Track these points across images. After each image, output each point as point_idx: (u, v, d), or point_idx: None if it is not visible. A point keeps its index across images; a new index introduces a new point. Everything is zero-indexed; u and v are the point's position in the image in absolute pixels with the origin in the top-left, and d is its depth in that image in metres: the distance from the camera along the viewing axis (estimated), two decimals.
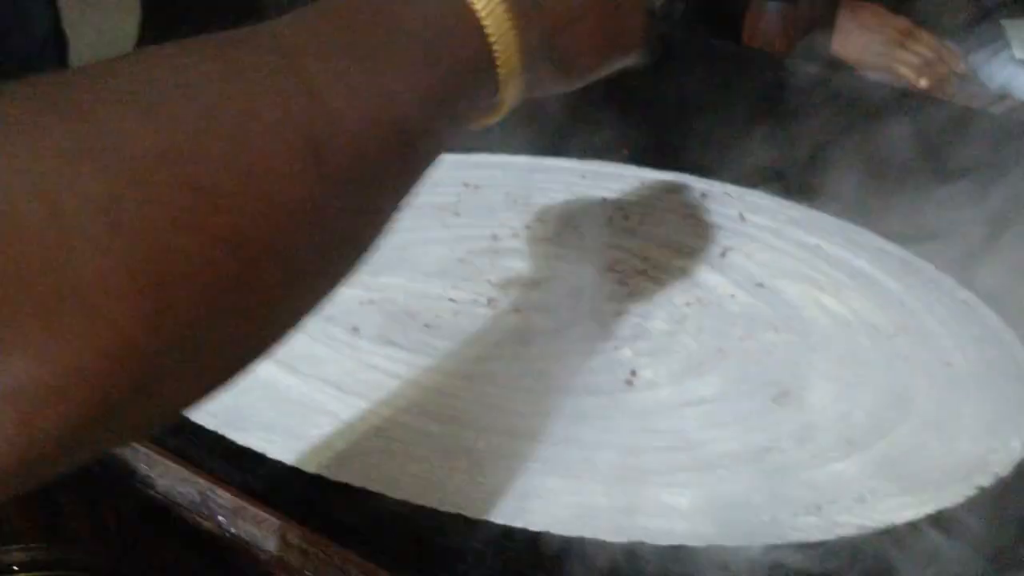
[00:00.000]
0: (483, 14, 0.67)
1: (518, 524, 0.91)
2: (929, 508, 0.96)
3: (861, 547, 0.92)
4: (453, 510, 0.92)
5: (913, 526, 0.94)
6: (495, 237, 1.33)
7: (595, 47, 0.79)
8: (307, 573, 0.92)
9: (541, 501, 0.94)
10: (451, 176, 1.46)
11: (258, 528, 0.94)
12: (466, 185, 1.44)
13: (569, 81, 0.81)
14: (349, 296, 1.19)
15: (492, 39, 0.68)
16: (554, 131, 1.53)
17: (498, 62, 0.69)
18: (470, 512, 0.92)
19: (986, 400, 1.10)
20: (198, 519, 0.98)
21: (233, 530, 0.95)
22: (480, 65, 0.68)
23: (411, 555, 0.89)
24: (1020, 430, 1.06)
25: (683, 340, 1.16)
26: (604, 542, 0.90)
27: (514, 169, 1.49)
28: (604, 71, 0.83)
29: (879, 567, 0.90)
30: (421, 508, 0.93)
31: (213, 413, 1.01)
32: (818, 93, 1.70)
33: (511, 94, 0.72)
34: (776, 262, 1.32)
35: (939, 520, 0.95)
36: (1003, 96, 2.16)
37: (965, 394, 1.10)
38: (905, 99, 1.83)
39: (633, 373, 1.11)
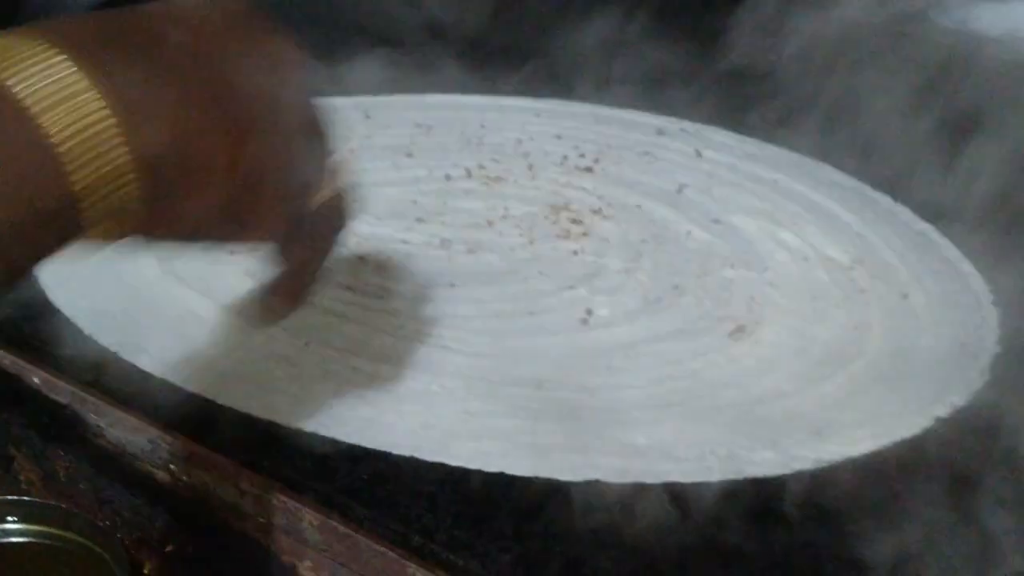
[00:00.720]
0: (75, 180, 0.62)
1: (473, 466, 0.90)
2: (886, 440, 0.95)
3: (818, 480, 0.91)
4: (407, 453, 0.91)
5: (870, 457, 0.93)
6: (448, 178, 1.31)
7: (208, 221, 0.72)
8: (261, 519, 0.91)
9: (496, 442, 0.93)
10: (403, 117, 1.44)
11: (210, 475, 0.92)
12: (418, 126, 1.42)
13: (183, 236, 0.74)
14: None
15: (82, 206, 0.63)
16: (508, 69, 1.51)
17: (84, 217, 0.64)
18: (423, 455, 0.91)
19: (943, 332, 1.09)
20: (150, 467, 0.97)
21: (185, 478, 0.94)
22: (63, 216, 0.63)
23: (364, 499, 0.88)
24: (978, 360, 1.05)
25: (639, 278, 1.15)
26: (560, 481, 0.89)
27: (467, 109, 1.47)
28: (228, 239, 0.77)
29: (836, 500, 0.90)
30: (373, 451, 0.91)
31: (162, 361, 0.99)
32: (777, 26, 1.68)
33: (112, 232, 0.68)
34: (733, 198, 1.31)
35: (896, 451, 0.94)
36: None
37: (922, 326, 1.10)
38: (867, 31, 1.81)
39: (588, 312, 1.09)
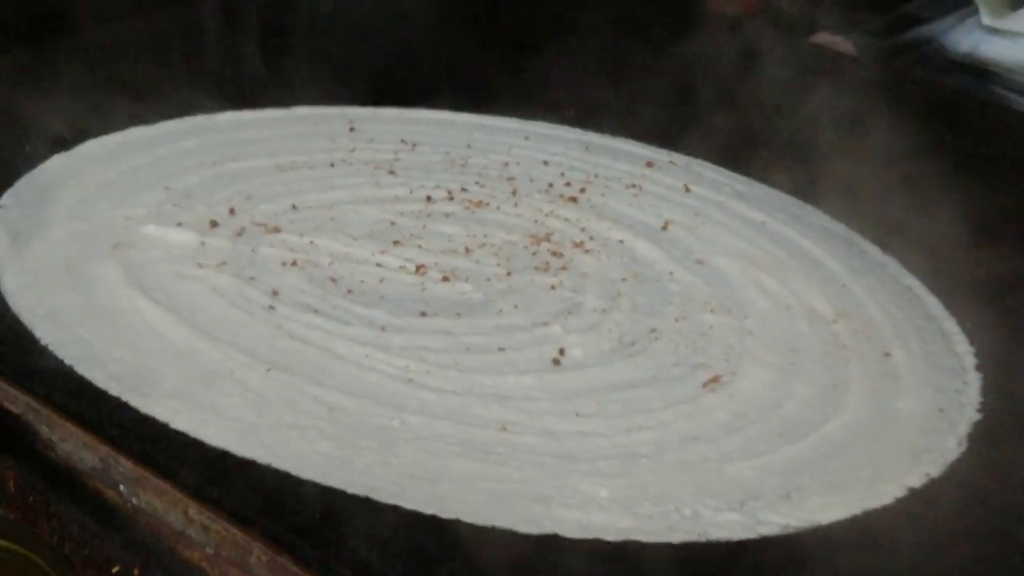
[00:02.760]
0: None
1: (428, 511, 0.87)
2: (856, 508, 0.92)
3: (784, 547, 0.88)
4: (361, 492, 0.88)
5: (839, 527, 0.91)
6: (430, 200, 1.28)
7: None
8: (209, 550, 0.88)
9: (454, 486, 0.90)
10: (389, 132, 1.41)
11: (159, 500, 0.89)
12: (404, 142, 1.38)
13: None
14: (272, 256, 1.14)
15: None
16: (499, 89, 1.48)
17: None
18: (379, 496, 0.88)
19: (923, 395, 1.06)
20: (100, 487, 0.94)
21: (134, 501, 0.91)
22: None
23: (315, 539, 0.85)
24: (956, 428, 1.03)
25: (616, 318, 1.12)
26: (516, 533, 0.86)
27: (455, 127, 1.44)
28: None
29: (801, 568, 0.87)
30: (328, 489, 0.88)
31: (118, 378, 0.96)
32: (774, 58, 1.66)
33: None
34: (718, 238, 1.28)
35: (866, 521, 0.92)
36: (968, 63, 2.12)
37: (902, 387, 1.07)
38: (862, 68, 1.78)
39: (561, 352, 1.06)
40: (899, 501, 0.94)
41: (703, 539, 0.88)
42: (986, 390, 1.08)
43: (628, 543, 0.87)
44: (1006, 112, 1.74)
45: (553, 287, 1.16)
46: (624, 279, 1.19)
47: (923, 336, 1.15)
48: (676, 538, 0.88)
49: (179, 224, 1.17)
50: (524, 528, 0.87)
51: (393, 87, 1.46)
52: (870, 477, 0.95)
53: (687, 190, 1.36)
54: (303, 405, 0.96)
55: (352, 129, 1.40)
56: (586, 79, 1.51)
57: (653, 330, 1.12)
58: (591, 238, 1.25)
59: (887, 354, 1.11)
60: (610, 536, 0.87)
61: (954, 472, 0.97)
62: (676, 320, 1.13)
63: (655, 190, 1.36)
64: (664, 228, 1.29)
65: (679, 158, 1.43)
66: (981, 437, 1.02)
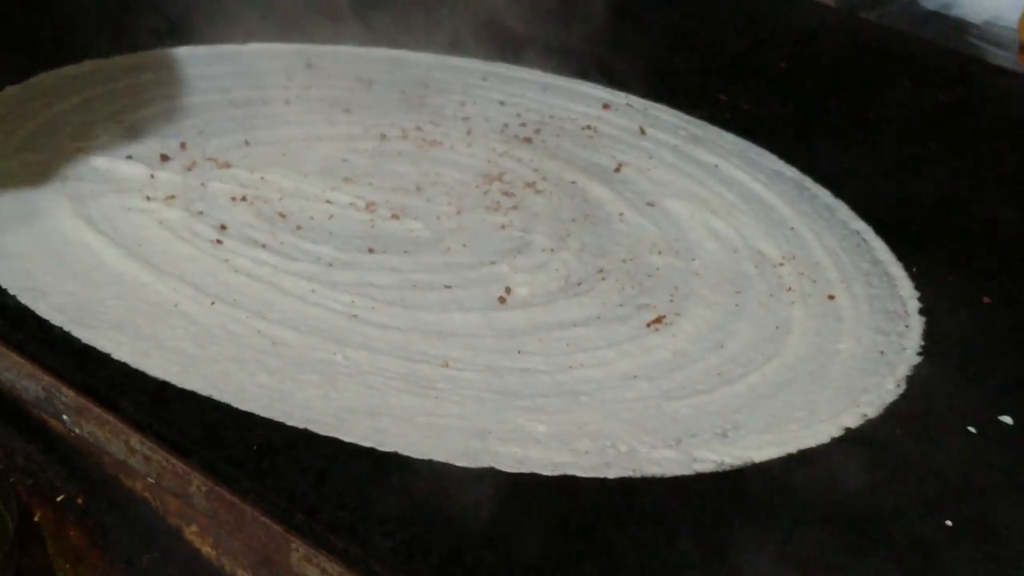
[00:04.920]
0: None
1: (366, 444, 0.88)
2: (792, 447, 0.93)
3: (718, 484, 0.90)
4: (300, 425, 0.89)
5: (773, 465, 0.92)
6: (383, 137, 1.28)
7: None
8: (150, 480, 0.88)
9: (394, 420, 0.91)
10: (346, 70, 1.40)
11: (101, 430, 0.90)
12: (360, 80, 1.38)
13: None
14: (221, 191, 1.14)
15: None
16: (459, 29, 1.47)
17: None
18: (318, 428, 0.89)
19: (865, 337, 1.07)
20: (44, 416, 0.94)
21: (77, 430, 0.91)
22: None
23: (253, 470, 0.86)
24: (895, 370, 1.04)
25: (563, 258, 1.13)
26: (453, 466, 0.87)
27: (412, 66, 1.44)
28: None
29: (733, 505, 0.88)
30: (266, 420, 0.89)
31: (61, 308, 0.97)
32: (748, 6, 1.66)
33: None
34: (671, 180, 1.28)
35: (801, 460, 0.93)
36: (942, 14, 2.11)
37: (844, 330, 1.08)
38: (831, 17, 1.78)
39: (508, 290, 1.07)
40: (835, 441, 0.95)
41: (638, 475, 0.89)
42: (928, 334, 1.09)
43: (564, 478, 0.88)
44: (975, 62, 1.75)
45: (503, 227, 1.17)
46: (574, 220, 1.19)
47: (868, 280, 1.16)
48: (612, 474, 0.89)
49: (128, 157, 1.16)
50: (461, 462, 0.88)
51: (352, 25, 1.46)
52: (807, 417, 0.97)
53: (642, 132, 1.37)
54: (246, 339, 0.97)
55: (309, 66, 1.39)
56: (548, 20, 1.50)
57: (600, 271, 1.12)
58: (543, 179, 1.25)
59: (831, 297, 1.12)
60: (546, 471, 0.88)
61: (891, 413, 0.99)
62: (624, 261, 1.14)
63: (610, 132, 1.36)
64: (617, 170, 1.29)
65: (636, 101, 1.43)
66: (920, 380, 1.03)
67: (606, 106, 1.42)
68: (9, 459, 0.98)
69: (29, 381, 0.93)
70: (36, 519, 0.98)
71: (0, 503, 0.95)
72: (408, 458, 0.88)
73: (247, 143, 1.22)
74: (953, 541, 0.87)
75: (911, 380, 1.03)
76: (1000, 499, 0.92)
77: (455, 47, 1.46)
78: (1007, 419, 0.99)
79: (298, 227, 1.11)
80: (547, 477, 0.88)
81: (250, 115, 1.28)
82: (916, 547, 0.86)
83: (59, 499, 0.97)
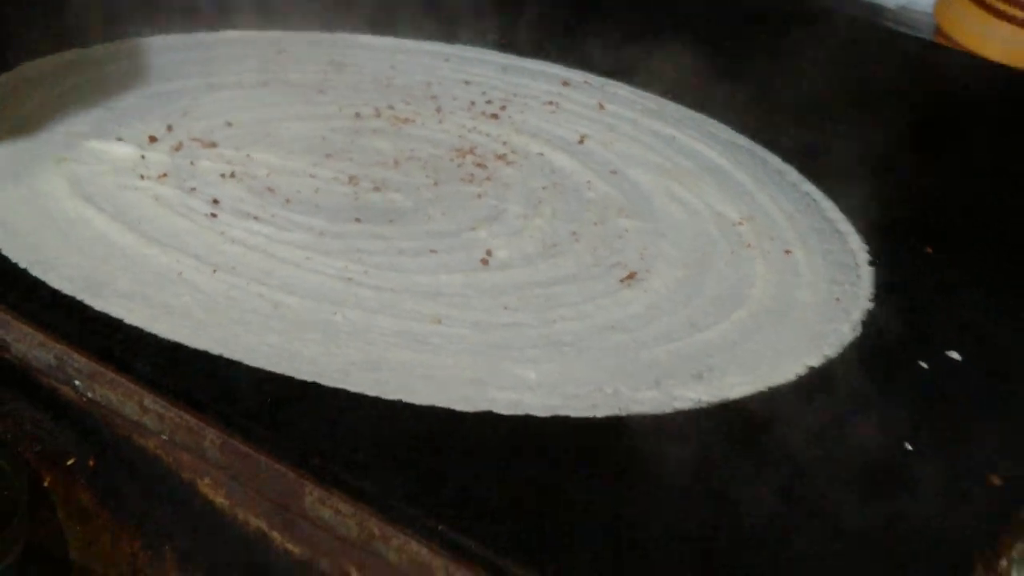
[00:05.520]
0: None
1: (372, 393, 0.94)
2: (762, 386, 1.01)
3: (698, 420, 0.97)
4: (308, 379, 0.95)
5: (746, 401, 1.00)
6: (358, 116, 1.34)
7: None
8: (163, 437, 0.93)
9: (394, 372, 0.97)
10: (316, 55, 1.46)
11: (115, 392, 0.94)
12: (331, 63, 1.44)
13: None
14: (210, 169, 1.20)
15: None
16: (418, 14, 1.54)
17: None
18: (325, 381, 0.95)
19: (821, 287, 1.15)
20: (54, 383, 0.98)
21: (90, 395, 0.96)
22: None
23: (266, 422, 0.91)
24: (851, 315, 1.12)
25: (537, 223, 1.20)
26: (455, 412, 0.94)
27: (379, 50, 1.50)
28: None
29: (713, 439, 0.96)
30: (276, 376, 0.95)
31: (70, 279, 1.02)
32: None
33: None
34: (631, 151, 1.35)
35: (771, 395, 1.01)
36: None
37: (802, 281, 1.16)
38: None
39: (488, 253, 1.14)
40: (800, 378, 1.03)
41: (624, 413, 0.96)
42: (877, 282, 1.17)
43: (556, 418, 0.95)
44: (898, 37, 1.84)
45: (479, 196, 1.23)
46: (544, 188, 1.26)
47: (820, 236, 1.24)
48: (599, 413, 0.96)
49: (119, 139, 1.21)
50: (461, 406, 0.94)
51: (317, 13, 1.51)
52: (774, 358, 1.04)
53: (601, 107, 1.44)
54: (249, 303, 1.03)
55: (280, 52, 1.45)
56: (505, 3, 1.57)
57: (573, 234, 1.19)
58: (512, 151, 1.32)
59: (788, 252, 1.20)
60: (540, 412, 0.95)
61: (849, 353, 1.07)
62: (594, 224, 1.21)
63: (571, 107, 1.43)
64: (580, 142, 1.36)
65: (593, 78, 1.50)
66: (873, 323, 1.11)
67: (565, 83, 1.49)
68: (18, 427, 1.02)
69: (41, 350, 0.98)
70: (46, 484, 1.02)
71: (11, 471, 0.99)
72: (411, 404, 0.94)
73: (229, 124, 1.28)
74: (912, 463, 0.95)
75: (865, 324, 1.11)
76: (951, 425, 1.00)
77: (418, 31, 1.53)
78: (954, 354, 1.07)
79: (287, 200, 1.17)
80: (541, 419, 0.95)
81: (230, 98, 1.34)
82: (880, 468, 0.94)
83: (69, 463, 1.01)
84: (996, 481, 0.95)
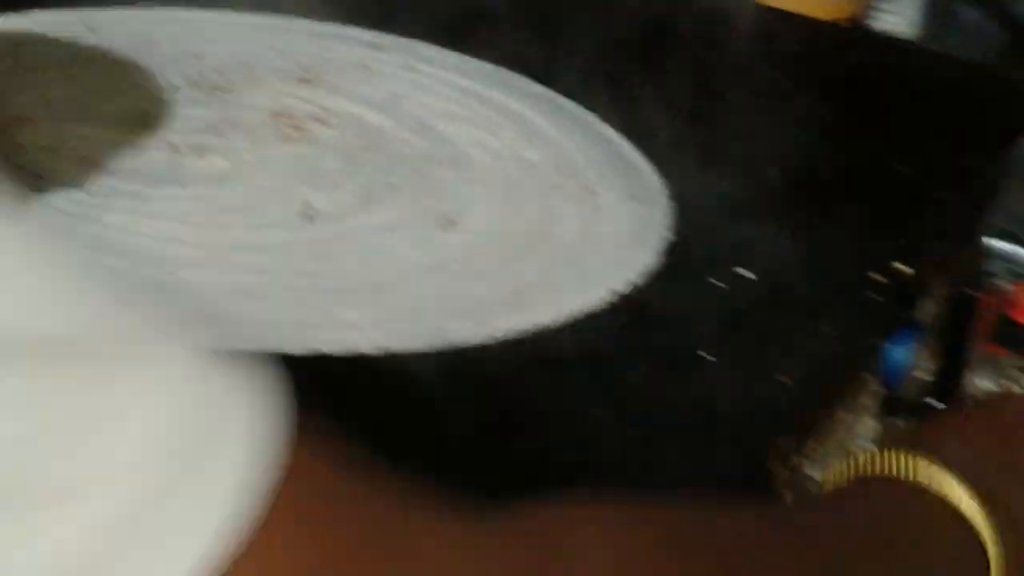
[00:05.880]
0: None
1: (209, 346, 0.99)
2: (575, 310, 1.10)
3: (513, 346, 1.05)
4: None
5: (557, 324, 1.08)
6: (175, 87, 1.38)
7: None
8: None
9: (228, 324, 1.02)
10: (126, 30, 1.48)
11: None
12: (143, 40, 1.47)
13: None
14: (30, 144, 1.22)
15: None
16: None
17: None
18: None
19: (623, 220, 1.25)
20: None
21: None
22: None
23: None
24: (652, 245, 1.21)
25: (356, 177, 1.26)
26: (286, 354, 0.99)
27: (187, 22, 1.54)
28: None
29: (533, 361, 1.04)
30: None
31: None
32: None
33: None
34: (441, 106, 1.42)
35: (584, 321, 1.09)
36: None
37: (605, 216, 1.25)
38: None
39: (311, 207, 1.19)
40: (610, 304, 1.12)
41: (448, 345, 1.04)
42: (675, 214, 1.27)
43: (387, 355, 1.02)
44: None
45: (298, 157, 1.29)
46: (361, 146, 1.32)
47: (621, 174, 1.33)
48: (422, 345, 1.03)
49: None
50: (292, 349, 1.00)
51: None
52: (583, 286, 1.13)
53: (411, 68, 1.50)
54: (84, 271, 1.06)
55: (91, 30, 1.47)
56: None
57: (390, 186, 1.26)
58: (326, 111, 1.38)
59: (591, 191, 1.29)
60: (367, 349, 1.02)
61: (652, 278, 1.16)
62: (410, 176, 1.28)
63: (382, 69, 1.49)
64: (392, 101, 1.42)
65: (401, 41, 1.57)
66: (672, 250, 1.21)
67: (375, 47, 1.55)
68: None
69: None
70: None
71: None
72: (243, 351, 0.99)
73: (48, 102, 1.31)
74: (714, 366, 1.05)
75: (666, 252, 1.20)
76: (747, 333, 1.10)
77: (228, 2, 1.57)
78: (744, 272, 1.17)
79: (108, 170, 1.21)
80: (375, 357, 1.01)
81: (44, 77, 1.36)
82: (679, 379, 1.03)
83: None
84: (786, 380, 1.05)
